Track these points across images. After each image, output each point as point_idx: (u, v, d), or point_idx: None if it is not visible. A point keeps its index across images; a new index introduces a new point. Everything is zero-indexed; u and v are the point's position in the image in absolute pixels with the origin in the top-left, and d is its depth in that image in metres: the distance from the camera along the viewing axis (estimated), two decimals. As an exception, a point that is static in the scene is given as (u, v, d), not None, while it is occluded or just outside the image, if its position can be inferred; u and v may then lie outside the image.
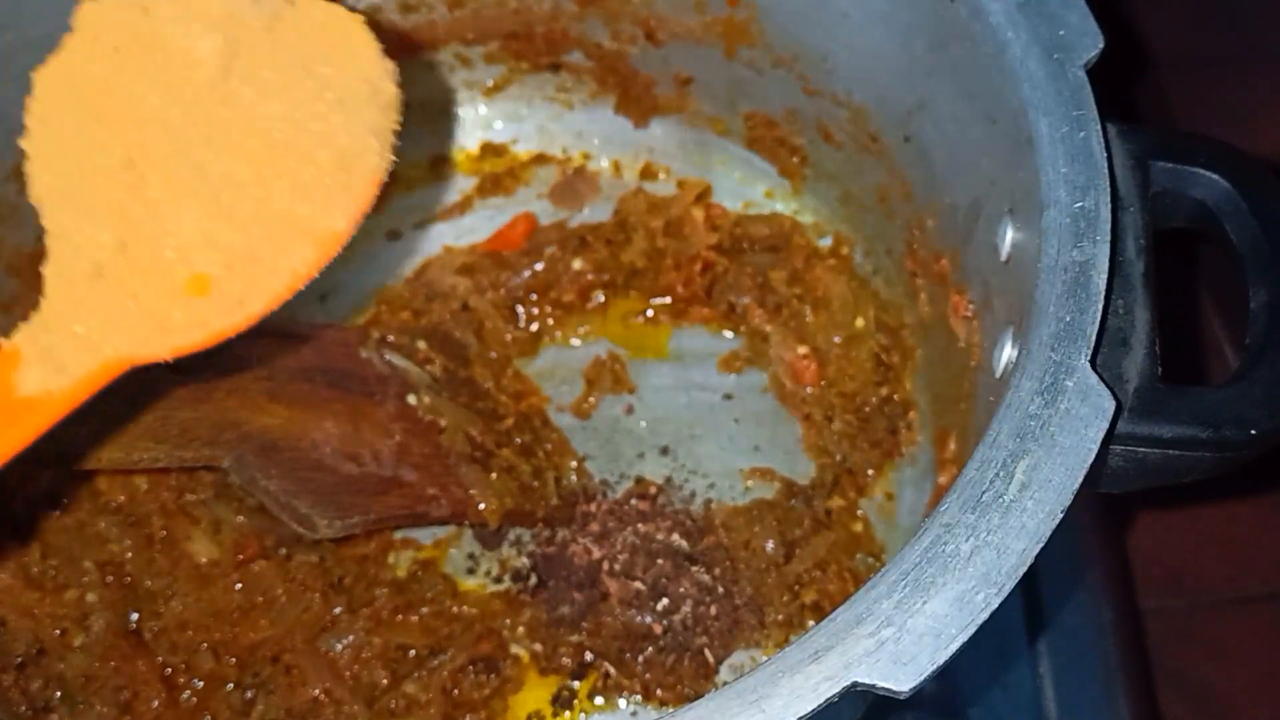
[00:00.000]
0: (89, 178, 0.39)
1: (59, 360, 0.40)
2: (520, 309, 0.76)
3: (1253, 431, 0.48)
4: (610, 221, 0.78)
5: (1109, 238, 0.47)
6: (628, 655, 0.66)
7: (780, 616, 0.67)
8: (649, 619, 0.67)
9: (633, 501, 0.71)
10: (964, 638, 0.40)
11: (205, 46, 0.39)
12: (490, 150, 0.82)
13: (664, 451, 0.73)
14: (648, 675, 0.66)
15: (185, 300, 0.40)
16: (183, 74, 0.39)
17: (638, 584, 0.68)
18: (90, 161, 0.39)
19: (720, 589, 0.68)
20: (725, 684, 0.40)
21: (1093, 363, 0.45)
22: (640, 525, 0.70)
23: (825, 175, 0.76)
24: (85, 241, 0.39)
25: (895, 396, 0.73)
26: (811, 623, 0.65)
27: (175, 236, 0.40)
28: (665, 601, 0.68)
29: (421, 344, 0.72)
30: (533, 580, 0.69)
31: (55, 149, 0.40)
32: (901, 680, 0.39)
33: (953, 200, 0.61)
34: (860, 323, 0.74)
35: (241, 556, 0.66)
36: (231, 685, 0.64)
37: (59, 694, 0.62)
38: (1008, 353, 0.53)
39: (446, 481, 0.67)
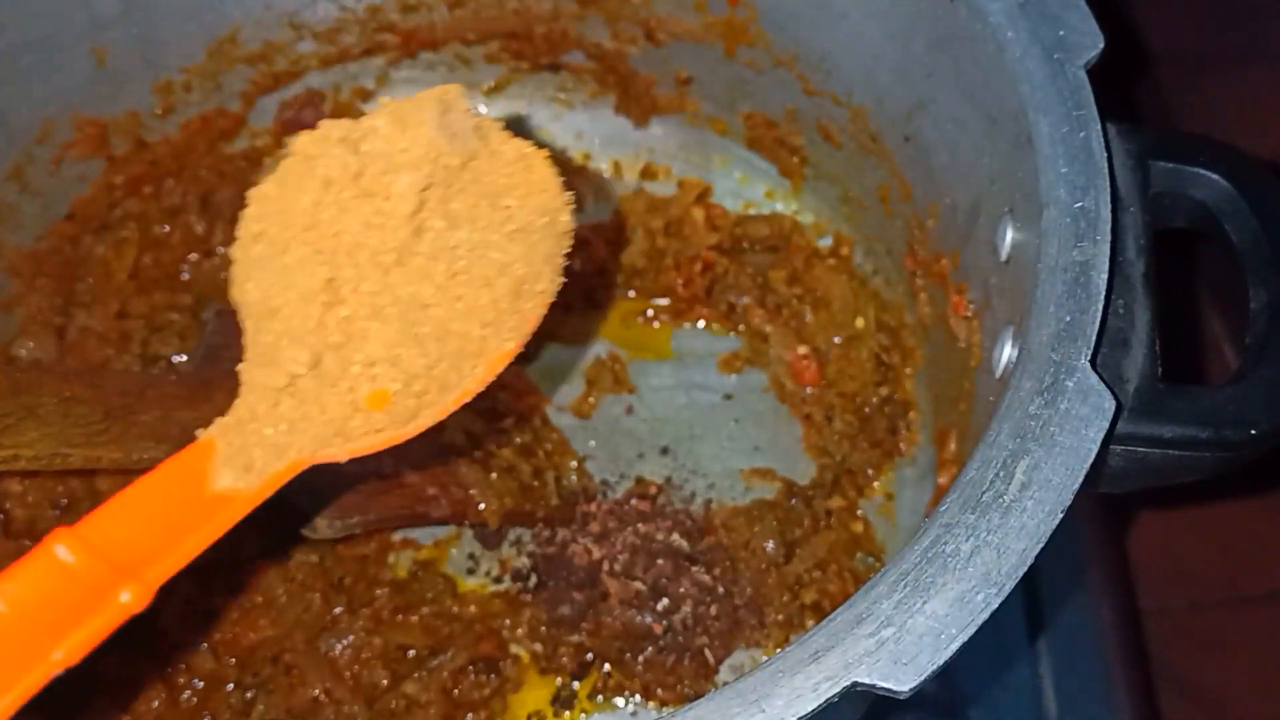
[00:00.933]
0: (292, 295, 0.42)
1: (248, 461, 0.43)
2: (520, 309, 0.76)
3: (1253, 431, 0.48)
4: (610, 221, 0.78)
5: (1109, 238, 0.47)
6: (628, 655, 0.66)
7: (780, 616, 0.67)
8: (649, 619, 0.67)
9: (633, 501, 0.71)
10: (964, 638, 0.40)
11: (405, 182, 0.41)
12: (490, 150, 0.82)
13: (664, 451, 0.73)
14: (648, 675, 0.66)
15: (364, 411, 0.43)
16: (383, 206, 0.41)
17: (638, 584, 0.68)
18: (294, 280, 0.41)
19: (720, 589, 0.68)
20: (725, 684, 0.40)
21: (1093, 363, 0.45)
22: (640, 525, 0.70)
23: (825, 175, 0.76)
24: (283, 356, 0.42)
25: (895, 396, 0.73)
26: (811, 623, 0.65)
27: (363, 354, 0.42)
28: (665, 601, 0.68)
29: (422, 344, 0.72)
30: (533, 580, 0.69)
31: (264, 264, 0.42)
32: (901, 680, 0.39)
33: (953, 200, 0.62)
34: (860, 323, 0.74)
35: (241, 556, 0.66)
36: (231, 685, 0.64)
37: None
38: (1008, 353, 0.53)
39: (446, 481, 0.67)
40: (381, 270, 0.42)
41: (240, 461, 0.43)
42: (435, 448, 0.68)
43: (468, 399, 0.45)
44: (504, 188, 0.44)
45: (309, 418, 0.43)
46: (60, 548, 0.39)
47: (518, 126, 0.45)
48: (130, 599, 0.39)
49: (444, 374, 0.44)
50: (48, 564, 0.38)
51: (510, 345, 0.45)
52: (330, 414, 0.43)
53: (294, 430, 0.43)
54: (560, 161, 0.46)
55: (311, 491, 0.62)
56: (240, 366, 0.44)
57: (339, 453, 0.44)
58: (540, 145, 0.45)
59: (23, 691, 0.36)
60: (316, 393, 0.42)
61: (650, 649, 0.67)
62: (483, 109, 0.81)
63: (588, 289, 0.77)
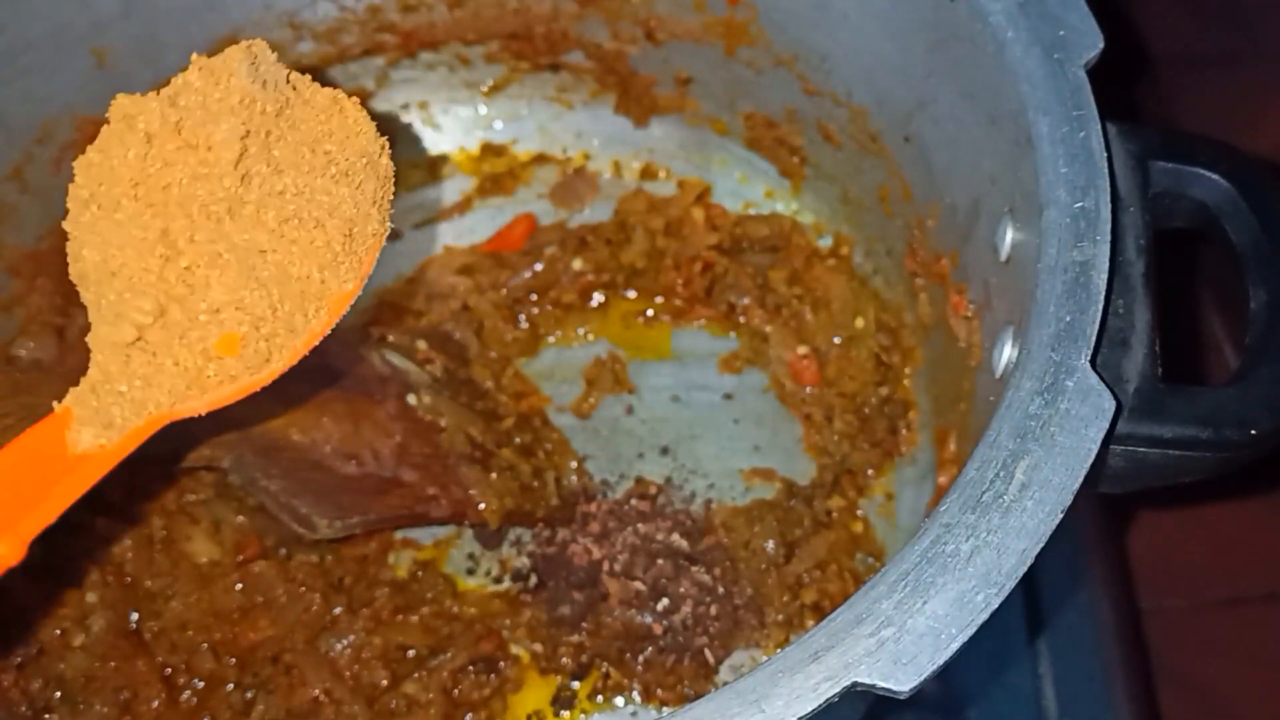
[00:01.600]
0: (129, 251, 0.43)
1: (107, 418, 0.44)
2: (520, 309, 0.76)
3: (1253, 431, 0.48)
4: (610, 221, 0.78)
5: (1109, 238, 0.47)
6: (628, 655, 0.66)
7: (780, 616, 0.67)
8: (649, 619, 0.67)
9: (633, 502, 0.71)
10: (964, 638, 0.40)
11: (224, 129, 0.43)
12: (490, 150, 0.82)
13: (664, 451, 0.73)
14: (648, 675, 0.66)
15: (217, 359, 0.45)
16: (206, 155, 0.43)
17: (638, 584, 0.68)
18: (129, 236, 0.43)
19: (720, 589, 0.68)
20: (725, 684, 0.40)
21: (1093, 363, 0.45)
22: (640, 525, 0.70)
23: (825, 175, 0.76)
24: (128, 309, 0.43)
25: (895, 396, 0.73)
26: (811, 623, 0.65)
27: (207, 301, 0.44)
28: (665, 601, 0.68)
29: (421, 344, 0.72)
30: (533, 580, 0.69)
31: (97, 227, 0.43)
32: (901, 680, 0.39)
33: (953, 200, 0.62)
34: (860, 323, 0.74)
35: (241, 556, 0.66)
36: (231, 685, 0.64)
37: (59, 694, 0.62)
38: (1008, 353, 0.53)
39: (446, 481, 0.67)
40: (214, 220, 0.44)
41: (100, 421, 0.44)
42: (435, 448, 0.68)
43: (315, 341, 0.47)
44: (321, 134, 0.46)
45: (162, 370, 0.44)
46: None
47: (321, 79, 0.48)
48: (5, 551, 0.42)
49: (289, 316, 0.46)
50: None
51: (349, 286, 0.47)
52: (183, 365, 0.44)
53: (149, 384, 0.44)
54: (374, 113, 0.48)
55: (310, 490, 0.62)
56: (88, 336, 0.45)
57: (197, 404, 0.45)
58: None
59: None
60: (166, 344, 0.44)
61: (650, 649, 0.67)
62: (483, 109, 0.82)
63: (587, 289, 0.77)
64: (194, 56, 0.44)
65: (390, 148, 0.48)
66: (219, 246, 0.44)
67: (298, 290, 0.46)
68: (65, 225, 0.44)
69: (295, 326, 0.46)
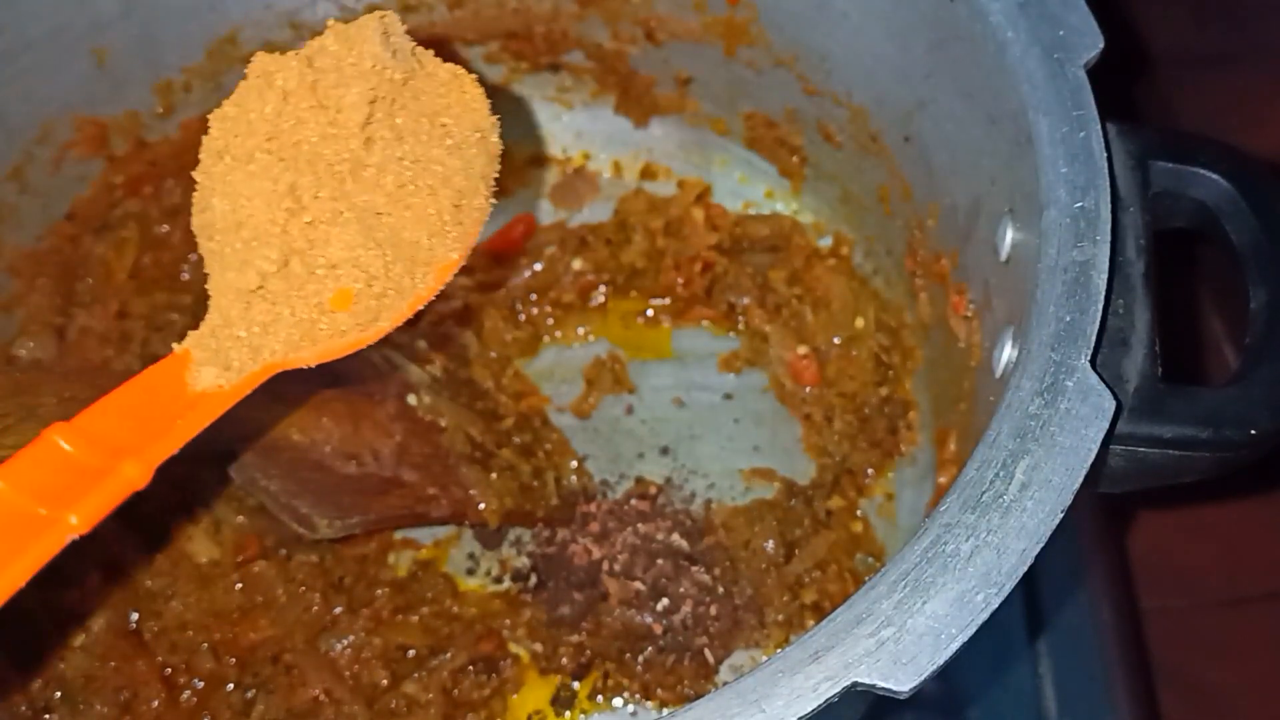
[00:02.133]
0: (258, 202, 0.45)
1: (225, 360, 0.46)
2: (520, 309, 0.76)
3: (1253, 431, 0.48)
4: (610, 221, 0.78)
5: (1109, 238, 0.47)
6: (628, 655, 0.66)
7: (780, 616, 0.67)
8: (649, 619, 0.67)
9: (633, 502, 0.71)
10: (964, 638, 0.40)
11: (355, 93, 0.45)
12: (490, 150, 0.82)
13: (664, 451, 0.73)
14: (648, 675, 0.66)
15: (330, 314, 0.46)
16: (335, 116, 0.45)
17: (638, 584, 0.68)
18: (259, 188, 0.44)
19: (720, 589, 0.68)
20: (725, 684, 0.40)
21: (1093, 363, 0.45)
22: (640, 525, 0.70)
23: (825, 175, 0.76)
24: (254, 257, 0.45)
25: (895, 396, 0.73)
26: (811, 623, 0.65)
27: (325, 256, 0.45)
28: (665, 601, 0.68)
29: (421, 344, 0.72)
30: (533, 580, 0.69)
31: (229, 177, 0.45)
32: (901, 680, 0.39)
33: (953, 200, 0.62)
34: (860, 323, 0.74)
35: (241, 556, 0.66)
36: (231, 685, 0.64)
37: (59, 694, 0.62)
38: (1008, 353, 0.53)
39: (446, 481, 0.67)
40: (338, 179, 0.45)
41: (219, 362, 0.46)
42: (435, 448, 0.68)
43: (421, 305, 0.49)
44: (440, 106, 0.48)
45: (279, 319, 0.46)
46: (56, 436, 0.42)
47: (448, 53, 0.49)
48: (133, 474, 0.43)
49: (399, 278, 0.47)
50: (46, 449, 0.42)
51: (454, 255, 0.49)
52: (299, 315, 0.46)
53: (266, 332, 0.46)
54: (488, 87, 0.50)
55: (310, 490, 0.62)
56: (208, 285, 0.46)
57: (308, 356, 0.47)
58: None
59: (43, 551, 0.40)
60: (285, 295, 0.45)
61: (650, 649, 0.67)
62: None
63: (587, 289, 0.77)
64: (330, 22, 0.46)
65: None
66: (340, 205, 0.45)
67: (408, 254, 0.47)
68: (196, 175, 0.46)
69: (404, 288, 0.47)
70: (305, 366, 0.47)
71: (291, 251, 0.45)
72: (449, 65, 0.48)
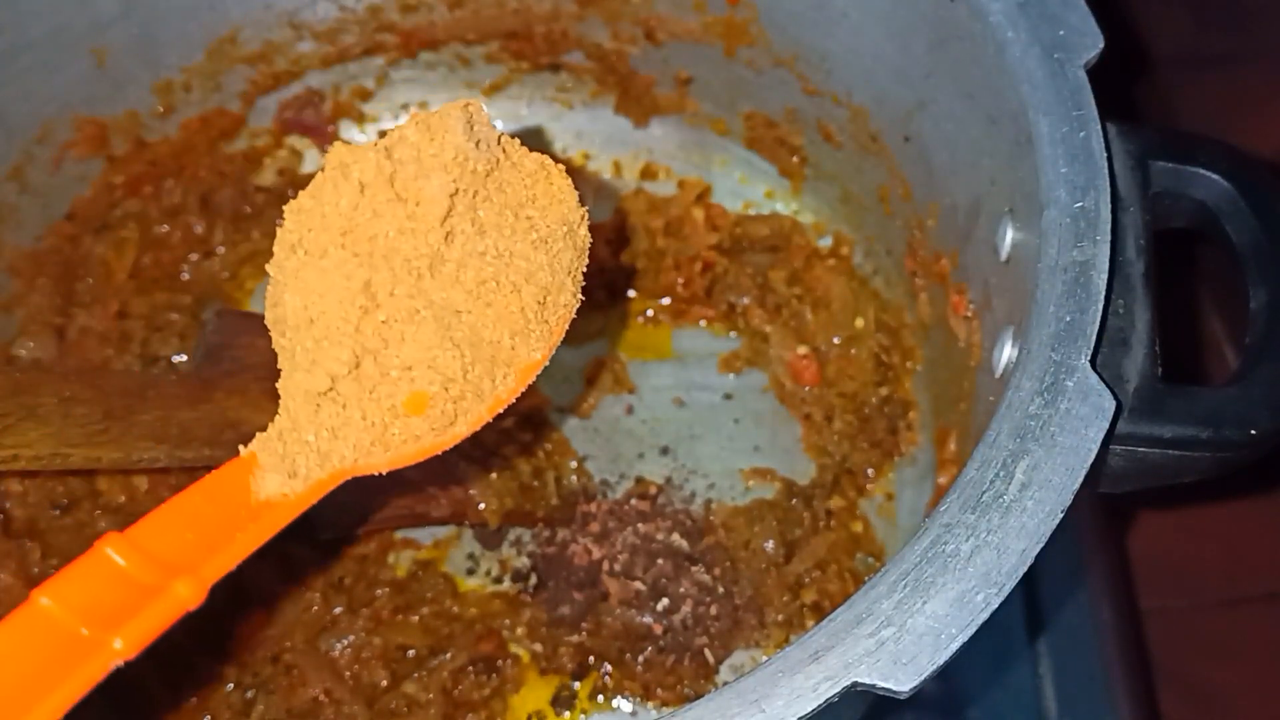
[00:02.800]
0: (330, 300, 0.43)
1: (292, 467, 0.44)
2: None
3: (1253, 431, 0.48)
4: (610, 221, 0.78)
5: (1109, 238, 0.47)
6: (628, 655, 0.66)
7: (780, 616, 0.67)
8: (649, 619, 0.67)
9: (633, 501, 0.71)
10: (964, 638, 0.40)
11: (435, 185, 0.43)
12: (490, 150, 0.82)
13: (664, 451, 0.73)
14: (648, 675, 0.66)
15: (403, 418, 0.44)
16: (414, 210, 0.43)
17: (638, 584, 0.68)
18: (333, 284, 0.42)
19: (720, 589, 0.68)
20: (725, 684, 0.40)
21: (1093, 363, 0.45)
22: (640, 525, 0.70)
23: (825, 175, 0.76)
24: (324, 357, 0.43)
25: (895, 396, 0.73)
26: (811, 623, 0.65)
27: (400, 357, 0.43)
28: (665, 601, 0.68)
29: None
30: (533, 580, 0.69)
31: (301, 273, 0.43)
32: (901, 680, 0.39)
33: (953, 200, 0.62)
34: (860, 323, 0.74)
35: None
36: (231, 685, 0.64)
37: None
38: (1008, 353, 0.53)
39: (446, 481, 0.67)
40: (415, 276, 0.43)
41: (285, 469, 0.44)
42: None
43: (500, 409, 0.46)
44: (525, 199, 0.46)
45: (350, 423, 0.44)
46: (109, 550, 0.40)
47: (534, 139, 0.46)
48: (186, 594, 0.40)
49: (478, 380, 0.45)
50: (98, 564, 0.39)
51: (538, 356, 0.47)
52: (370, 419, 0.44)
53: (335, 437, 0.44)
54: (573, 172, 0.47)
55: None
56: (279, 383, 0.44)
57: (379, 462, 0.45)
58: (555, 159, 0.47)
59: (85, 679, 0.37)
60: (357, 397, 0.43)
61: (650, 649, 0.67)
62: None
63: (587, 289, 0.77)
64: (413, 112, 0.44)
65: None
66: (417, 302, 0.43)
67: (488, 354, 0.45)
68: (269, 268, 0.44)
69: (482, 391, 0.45)
70: (375, 474, 0.45)
71: (364, 351, 0.43)
72: (536, 155, 0.46)
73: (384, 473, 0.45)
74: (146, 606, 0.39)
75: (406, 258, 0.43)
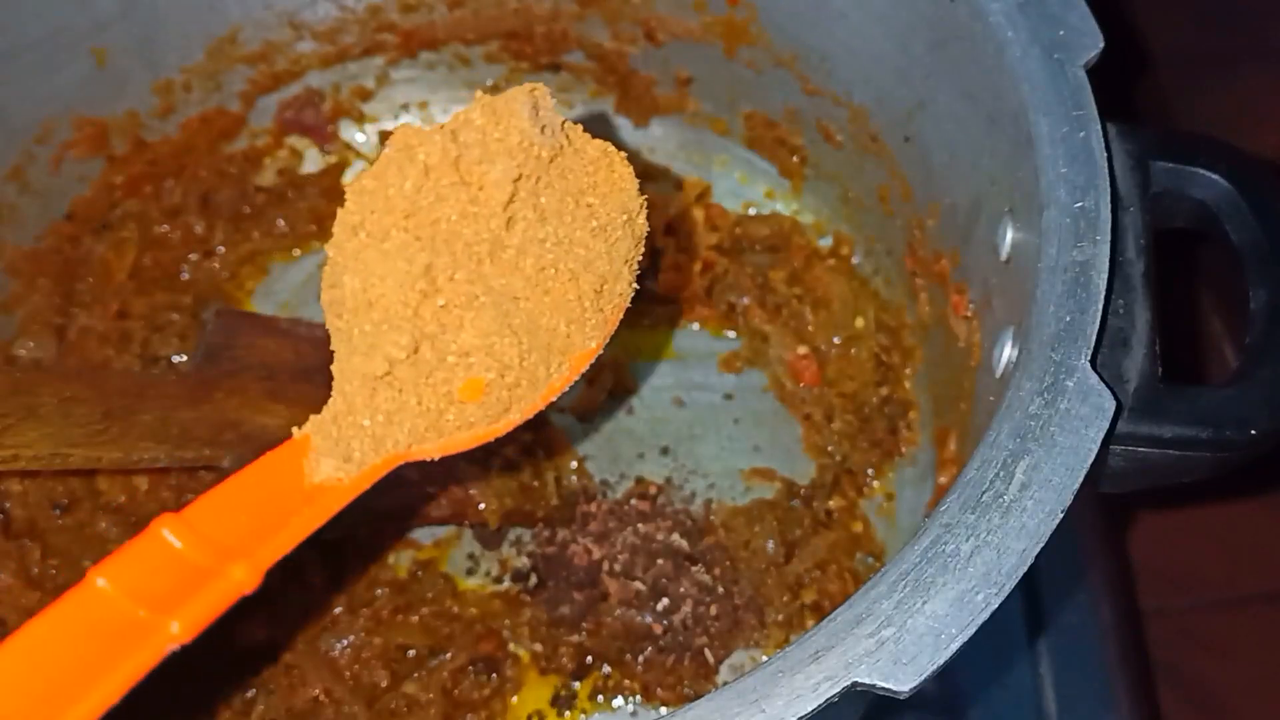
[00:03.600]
0: (390, 283, 0.42)
1: (346, 451, 0.43)
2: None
3: (1253, 431, 0.48)
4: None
5: (1109, 238, 0.47)
6: (628, 655, 0.66)
7: (780, 616, 0.67)
8: (649, 619, 0.67)
9: (633, 502, 0.71)
10: (964, 638, 0.40)
11: (499, 170, 0.42)
12: (490, 150, 0.82)
13: (664, 451, 0.73)
14: (648, 675, 0.66)
15: (458, 404, 0.43)
16: (477, 194, 0.42)
17: (638, 584, 0.68)
18: (394, 267, 0.42)
19: (720, 589, 0.68)
20: (725, 684, 0.40)
21: (1093, 363, 0.45)
22: (640, 525, 0.70)
23: (825, 175, 0.76)
24: (383, 341, 0.42)
25: (895, 396, 0.73)
26: (811, 623, 0.65)
27: (458, 343, 0.43)
28: (665, 601, 0.68)
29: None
30: (533, 580, 0.69)
31: (362, 255, 0.42)
32: (901, 680, 0.39)
33: (953, 200, 0.62)
34: (860, 323, 0.74)
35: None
36: (231, 685, 0.64)
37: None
38: (1008, 353, 0.53)
39: (446, 481, 0.67)
40: (475, 261, 0.43)
41: (339, 453, 0.43)
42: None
43: (554, 397, 0.46)
44: (587, 185, 0.45)
45: (405, 409, 0.43)
46: (166, 531, 0.39)
47: (599, 125, 0.46)
48: (241, 578, 0.40)
49: (534, 368, 0.45)
50: (154, 545, 0.39)
51: (593, 344, 0.46)
52: (425, 405, 0.43)
53: (390, 422, 0.43)
54: (637, 163, 0.47)
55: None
56: (333, 366, 0.44)
57: (432, 448, 0.44)
58: (619, 146, 0.46)
59: (142, 662, 0.37)
60: (413, 382, 0.43)
61: (650, 649, 0.67)
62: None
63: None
64: (478, 94, 0.43)
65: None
66: (476, 288, 0.43)
67: (545, 342, 0.45)
68: (328, 248, 0.43)
69: (538, 379, 0.45)
70: (428, 459, 0.45)
71: (423, 336, 0.42)
72: (598, 142, 0.46)
73: (435, 458, 0.45)
74: (203, 589, 0.39)
75: (468, 243, 0.43)
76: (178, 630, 0.37)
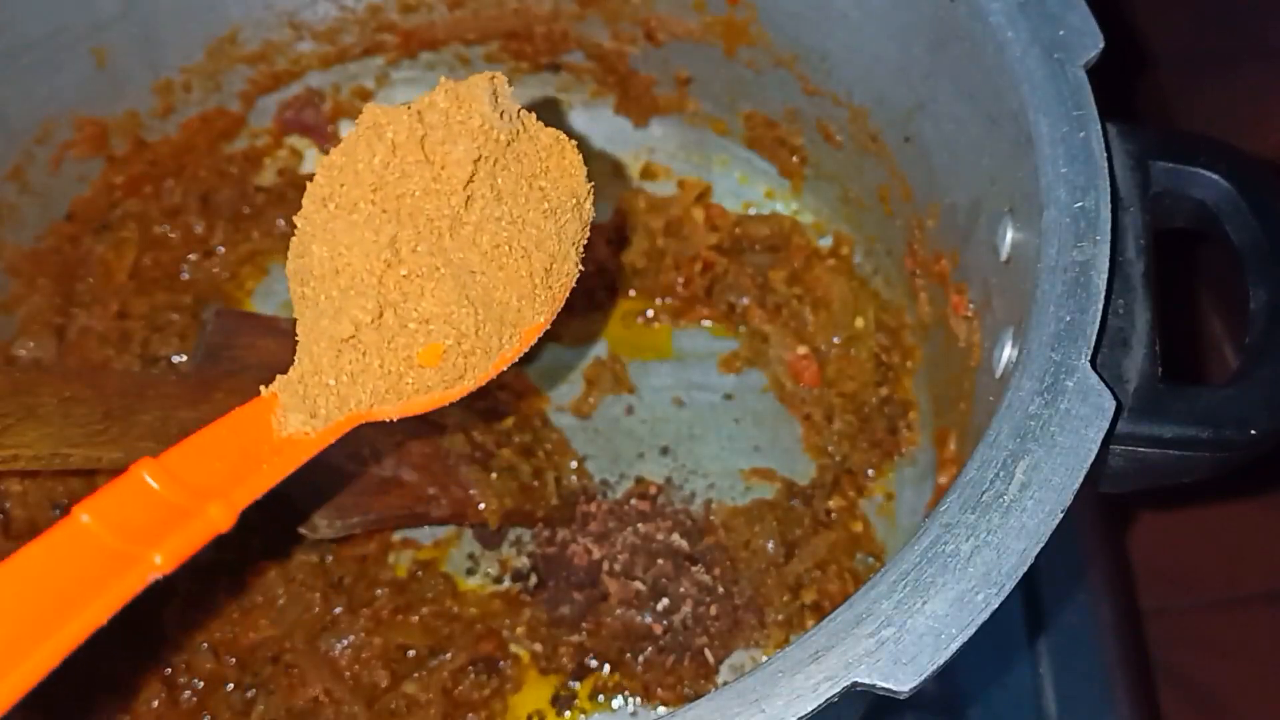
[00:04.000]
0: (356, 252, 0.45)
1: (313, 408, 0.46)
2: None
3: (1253, 431, 0.48)
4: (610, 221, 0.78)
5: (1109, 238, 0.47)
6: (628, 655, 0.66)
7: (780, 616, 0.67)
8: (649, 619, 0.67)
9: (633, 502, 0.71)
10: (964, 638, 0.40)
11: (461, 149, 0.45)
12: (490, 150, 0.82)
13: (664, 451, 0.73)
14: (648, 675, 0.66)
15: (417, 368, 0.46)
16: (440, 172, 0.45)
17: (638, 584, 0.68)
18: (360, 237, 0.45)
19: (720, 589, 0.68)
20: (725, 684, 0.40)
21: (1093, 363, 0.45)
22: (640, 525, 0.70)
23: (825, 175, 0.76)
24: (350, 306, 0.45)
25: (895, 396, 0.73)
26: (811, 623, 0.65)
27: (419, 311, 0.46)
28: (665, 601, 0.68)
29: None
30: (533, 580, 0.69)
31: (331, 225, 0.45)
32: (901, 680, 0.39)
33: (953, 200, 0.62)
34: (860, 323, 0.74)
35: (245, 557, 0.66)
36: (231, 685, 0.64)
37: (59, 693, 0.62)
38: (1008, 353, 0.53)
39: (446, 481, 0.67)
40: (436, 235, 0.45)
41: (306, 409, 0.46)
42: (435, 448, 0.68)
43: (505, 366, 0.49)
44: (540, 170, 0.48)
45: (368, 370, 0.46)
46: (145, 473, 0.42)
47: (550, 111, 0.48)
48: (217, 516, 0.42)
49: (488, 337, 0.47)
50: (134, 486, 0.41)
51: (541, 319, 0.49)
52: (387, 368, 0.46)
53: (354, 382, 0.46)
54: (585, 150, 0.50)
55: (311, 490, 0.62)
56: (297, 330, 0.47)
57: (392, 409, 0.47)
58: (570, 135, 0.49)
59: (123, 590, 0.39)
60: (376, 346, 0.46)
61: (650, 649, 0.67)
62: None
63: (588, 289, 0.77)
64: (441, 79, 0.46)
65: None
66: (437, 260, 0.45)
67: (498, 314, 0.47)
68: (297, 219, 0.46)
69: (491, 349, 0.48)
70: (387, 420, 0.47)
71: (386, 303, 0.45)
72: (551, 130, 0.49)
73: (394, 418, 0.47)
74: (182, 525, 0.41)
75: (430, 217, 0.45)
76: (160, 561, 0.40)
